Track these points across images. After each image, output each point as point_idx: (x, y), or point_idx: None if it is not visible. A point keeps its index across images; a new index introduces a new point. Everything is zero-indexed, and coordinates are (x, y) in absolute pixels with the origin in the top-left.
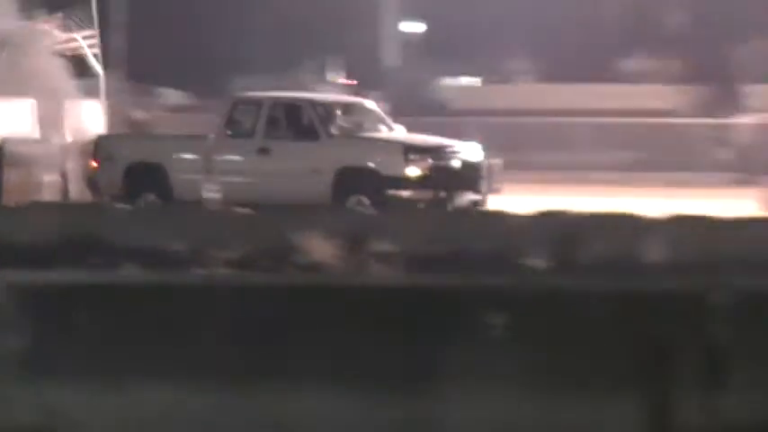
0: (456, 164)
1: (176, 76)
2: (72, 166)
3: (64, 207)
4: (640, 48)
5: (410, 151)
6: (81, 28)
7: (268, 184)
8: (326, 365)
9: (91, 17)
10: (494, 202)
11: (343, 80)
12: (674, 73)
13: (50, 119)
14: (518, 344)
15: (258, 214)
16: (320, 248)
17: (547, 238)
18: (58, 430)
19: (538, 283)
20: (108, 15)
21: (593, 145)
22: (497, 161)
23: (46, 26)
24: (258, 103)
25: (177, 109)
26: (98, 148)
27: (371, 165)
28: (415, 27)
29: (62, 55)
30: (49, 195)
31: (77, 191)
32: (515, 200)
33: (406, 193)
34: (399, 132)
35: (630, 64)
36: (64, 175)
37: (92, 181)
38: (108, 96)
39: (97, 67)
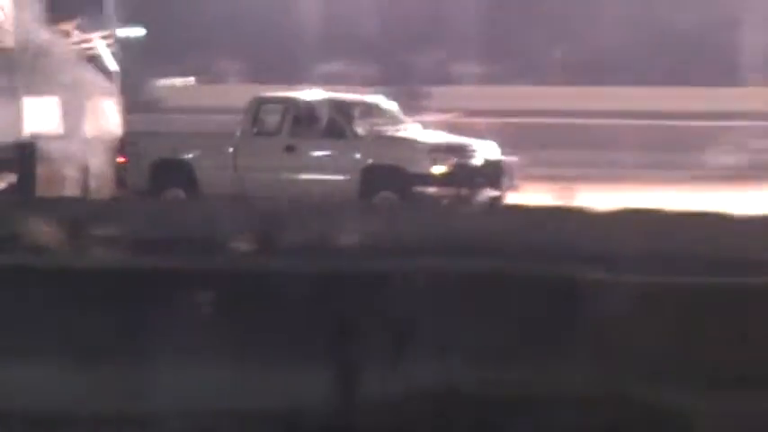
0: (478, 162)
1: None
2: (93, 162)
3: None
4: (337, 52)
5: (436, 150)
6: (97, 29)
7: (294, 181)
8: (53, 341)
9: (105, 17)
10: (512, 199)
11: None
12: (367, 76)
13: (72, 116)
14: (225, 319)
15: None
16: (46, 234)
17: (251, 224)
18: None
19: (243, 264)
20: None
21: None
22: (515, 159)
23: (66, 27)
24: (283, 102)
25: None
26: (125, 144)
27: (398, 163)
28: (135, 32)
29: (80, 54)
30: (70, 190)
31: (97, 186)
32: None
33: (431, 190)
34: (419, 130)
35: (328, 67)
36: (84, 171)
37: (118, 177)
38: (123, 93)
39: (113, 66)
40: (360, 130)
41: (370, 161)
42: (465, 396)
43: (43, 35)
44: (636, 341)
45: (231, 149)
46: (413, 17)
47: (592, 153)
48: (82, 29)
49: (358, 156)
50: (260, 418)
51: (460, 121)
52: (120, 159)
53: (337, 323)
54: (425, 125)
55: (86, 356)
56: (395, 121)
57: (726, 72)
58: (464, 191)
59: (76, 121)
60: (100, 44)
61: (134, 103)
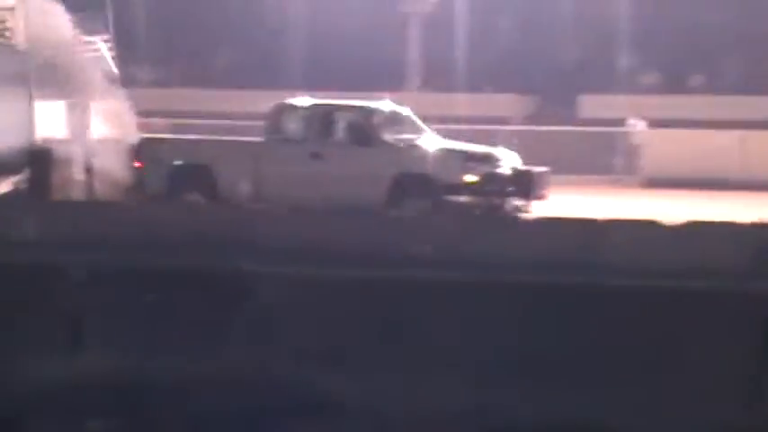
0: (506, 171)
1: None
2: (99, 165)
3: None
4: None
5: (469, 159)
6: (98, 32)
7: (320, 188)
8: None
9: (106, 20)
10: (539, 208)
11: None
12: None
13: (82, 120)
14: None
15: None
16: None
17: None
18: None
19: None
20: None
21: None
22: (546, 169)
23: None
24: (308, 108)
25: None
26: (141, 149)
27: (430, 171)
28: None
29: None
30: (76, 193)
31: (103, 189)
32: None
33: (463, 199)
34: (442, 139)
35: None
36: (90, 173)
37: (134, 181)
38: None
39: (114, 69)
40: (387, 137)
41: (399, 169)
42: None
43: (55, 37)
44: (288, 328)
45: (253, 155)
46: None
47: None
48: (85, 32)
49: (387, 164)
50: None
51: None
52: (137, 164)
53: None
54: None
55: None
56: (414, 127)
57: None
58: (495, 200)
59: (85, 124)
60: (103, 47)
61: None
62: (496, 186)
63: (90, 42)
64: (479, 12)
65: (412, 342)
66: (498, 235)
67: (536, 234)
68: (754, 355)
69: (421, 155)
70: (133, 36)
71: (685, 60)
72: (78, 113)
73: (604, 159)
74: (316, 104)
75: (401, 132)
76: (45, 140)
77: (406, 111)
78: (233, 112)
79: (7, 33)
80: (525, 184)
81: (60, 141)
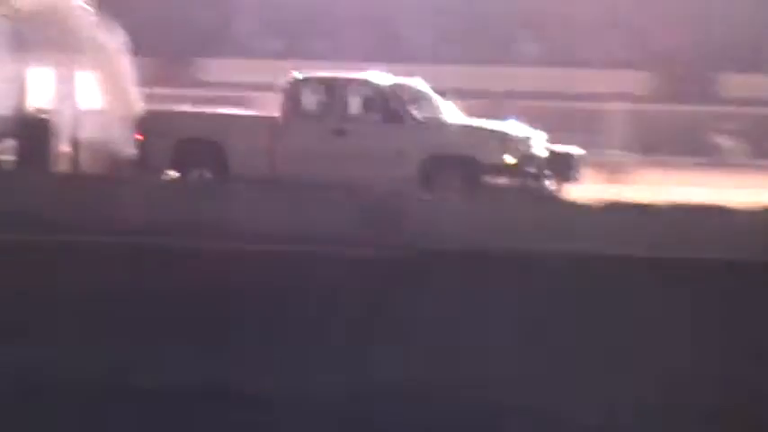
0: (542, 152)
1: None
2: (84, 137)
3: None
4: None
5: (508, 140)
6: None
7: (343, 167)
8: None
9: None
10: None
11: None
12: None
13: (65, 89)
14: None
15: None
16: None
17: None
18: None
19: None
20: None
21: None
22: (581, 151)
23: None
24: (330, 82)
25: None
26: (146, 121)
27: (467, 152)
28: None
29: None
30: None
31: (88, 161)
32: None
33: (502, 181)
34: (472, 118)
35: None
36: (75, 146)
37: (136, 155)
38: None
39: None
40: (417, 114)
41: (433, 149)
42: None
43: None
44: None
45: (268, 131)
46: None
47: None
48: None
49: (419, 142)
50: None
51: None
52: (138, 137)
53: None
54: None
55: None
56: (437, 105)
57: None
58: (533, 182)
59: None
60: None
61: None
62: (535, 168)
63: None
64: None
65: None
66: None
67: None
68: None
69: (456, 134)
70: None
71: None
72: (66, 81)
73: None
74: (338, 78)
75: (426, 109)
76: (38, 111)
77: (423, 86)
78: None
79: None
80: (564, 167)
81: (46, 111)
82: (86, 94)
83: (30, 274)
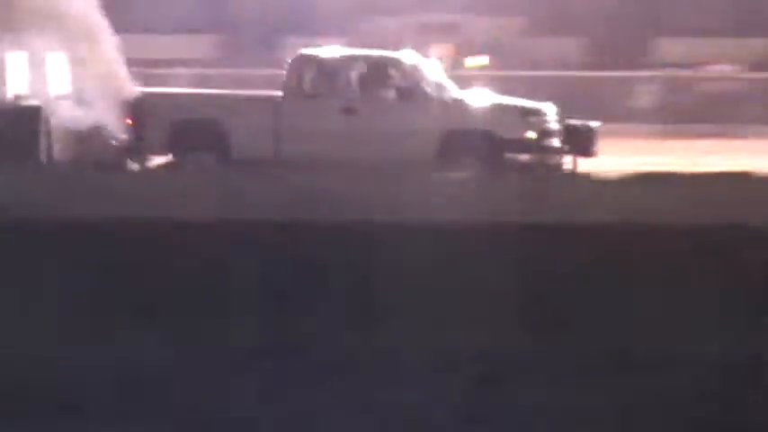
0: (557, 126)
1: None
2: (56, 123)
3: None
4: None
5: (528, 114)
6: None
7: (354, 146)
8: None
9: None
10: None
11: None
12: None
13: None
14: None
15: None
16: None
17: None
18: None
19: None
20: None
21: None
22: (598, 124)
23: None
24: (337, 59)
25: None
26: (138, 104)
27: (488, 127)
28: None
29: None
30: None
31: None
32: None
33: (524, 157)
34: (485, 92)
35: None
36: (47, 133)
37: (127, 140)
38: None
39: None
40: (431, 91)
41: (452, 126)
42: None
43: None
44: None
45: (272, 111)
46: None
47: None
48: None
49: (436, 119)
50: None
51: None
52: (128, 121)
53: None
54: None
55: None
56: (446, 80)
57: None
58: (553, 157)
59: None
60: None
61: None
62: (554, 143)
63: None
64: None
65: None
66: None
67: None
68: None
69: (477, 110)
70: None
71: None
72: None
73: None
74: (347, 55)
75: (435, 85)
76: (17, 98)
77: (435, 62)
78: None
79: None
80: (583, 141)
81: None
82: (63, 79)
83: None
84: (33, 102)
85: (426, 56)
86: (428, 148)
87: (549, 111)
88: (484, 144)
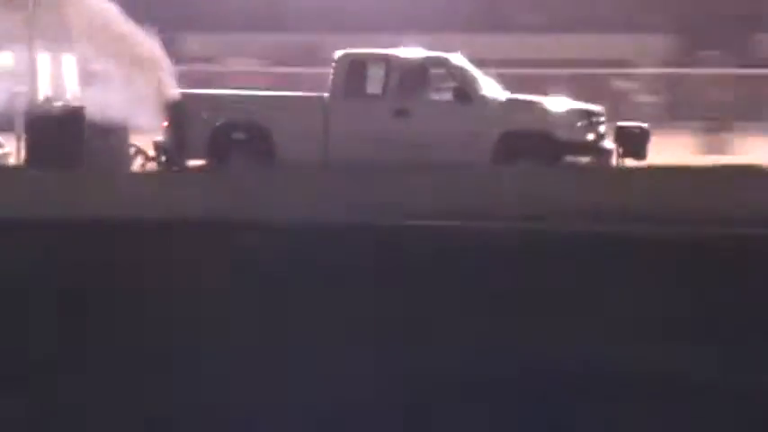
0: (603, 129)
1: None
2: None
3: None
4: None
5: (586, 115)
6: None
7: (406, 148)
8: None
9: None
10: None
11: None
12: None
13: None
14: None
15: None
16: None
17: None
18: None
19: None
20: None
21: None
22: (647, 126)
23: None
24: (385, 59)
25: None
26: (177, 106)
27: (546, 129)
28: None
29: None
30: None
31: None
32: None
33: (583, 159)
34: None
35: None
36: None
37: (163, 142)
38: None
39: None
40: (484, 92)
41: (508, 127)
42: None
43: None
44: None
45: (320, 113)
46: None
47: None
48: None
49: (492, 121)
50: None
51: None
52: (164, 124)
53: None
54: None
55: None
56: (492, 81)
57: None
58: (609, 159)
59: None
60: None
61: None
62: (608, 145)
63: None
64: None
65: None
66: None
67: None
68: None
69: (535, 112)
70: None
71: None
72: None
73: None
74: (396, 56)
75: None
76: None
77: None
78: None
79: None
80: (637, 143)
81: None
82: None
83: None
84: (76, 104)
85: None
86: (484, 150)
87: (601, 112)
88: (541, 145)
